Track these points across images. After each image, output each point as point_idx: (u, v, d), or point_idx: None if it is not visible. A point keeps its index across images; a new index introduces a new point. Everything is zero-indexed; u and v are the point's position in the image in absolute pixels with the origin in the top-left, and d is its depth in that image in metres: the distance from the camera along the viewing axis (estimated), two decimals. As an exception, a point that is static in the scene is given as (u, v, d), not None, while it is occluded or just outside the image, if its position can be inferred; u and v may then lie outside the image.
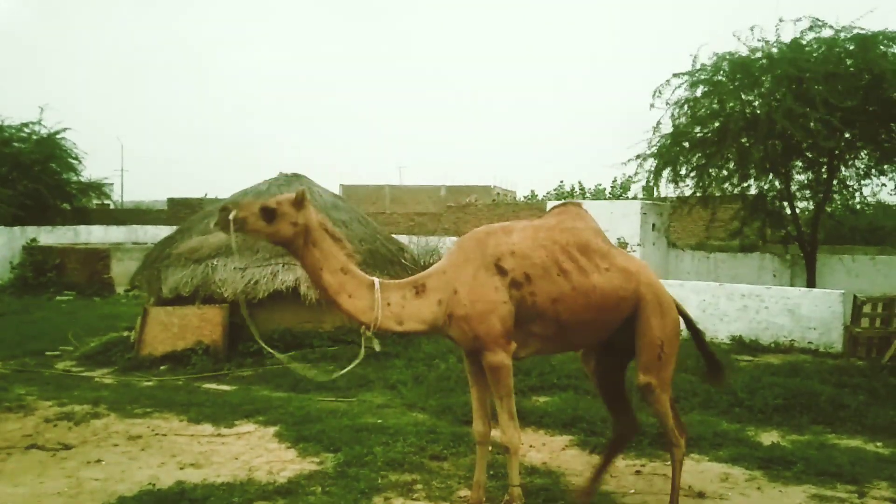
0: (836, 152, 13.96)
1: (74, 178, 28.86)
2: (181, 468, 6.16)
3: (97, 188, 30.57)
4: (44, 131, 27.70)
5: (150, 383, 9.63)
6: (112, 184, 33.03)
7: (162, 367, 10.51)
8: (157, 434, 7.20)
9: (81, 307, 17.12)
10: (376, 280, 4.84)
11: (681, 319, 5.45)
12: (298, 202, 4.53)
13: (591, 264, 4.97)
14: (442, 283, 4.84)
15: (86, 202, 30.19)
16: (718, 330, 12.08)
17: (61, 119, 51.12)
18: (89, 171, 31.37)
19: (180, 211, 28.84)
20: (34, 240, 21.78)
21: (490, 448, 5.49)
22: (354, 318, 4.76)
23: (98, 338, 12.62)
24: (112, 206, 34.73)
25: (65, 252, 20.79)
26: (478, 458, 5.11)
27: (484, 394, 5.15)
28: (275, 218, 4.48)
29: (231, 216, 4.41)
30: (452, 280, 4.83)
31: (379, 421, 7.52)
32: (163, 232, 22.55)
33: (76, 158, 28.39)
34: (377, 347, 4.87)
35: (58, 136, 27.86)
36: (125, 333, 12.17)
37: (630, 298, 5.01)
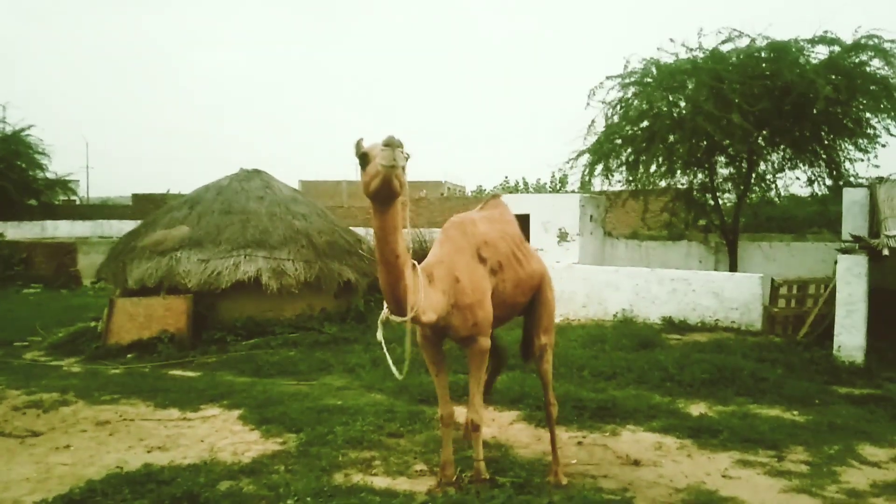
0: (754, 149, 14.28)
1: (41, 175, 27.90)
2: (148, 451, 5.98)
3: (63, 184, 29.68)
4: (8, 129, 26.72)
5: (117, 371, 9.34)
6: (78, 180, 32.11)
7: (129, 356, 10.23)
8: (124, 419, 6.98)
9: (49, 299, 16.55)
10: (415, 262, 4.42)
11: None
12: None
13: (527, 252, 5.40)
14: (443, 273, 4.64)
15: (52, 198, 29.17)
16: (650, 311, 12.26)
17: (25, 116, 49.38)
18: (56, 167, 30.27)
19: (144, 206, 28.06)
20: (1, 235, 21.02)
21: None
22: (401, 297, 4.21)
23: (66, 328, 12.22)
24: (78, 202, 33.68)
25: (32, 246, 20.12)
26: (445, 438, 4.97)
27: (446, 378, 5.12)
28: (404, 169, 3.93)
29: (405, 154, 3.85)
30: (452, 269, 4.69)
31: (339, 402, 7.42)
32: (128, 226, 21.92)
33: (42, 153, 27.47)
34: (380, 337, 4.35)
35: (23, 133, 26.88)
36: (92, 324, 11.81)
37: (539, 278, 5.46)
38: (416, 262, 4.46)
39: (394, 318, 4.32)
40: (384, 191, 3.90)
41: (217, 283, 10.90)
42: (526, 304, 5.40)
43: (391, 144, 3.80)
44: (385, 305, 4.38)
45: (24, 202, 26.79)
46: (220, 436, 6.45)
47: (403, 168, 3.89)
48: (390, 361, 4.41)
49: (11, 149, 26.08)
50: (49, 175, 28.18)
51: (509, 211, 5.63)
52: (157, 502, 4.52)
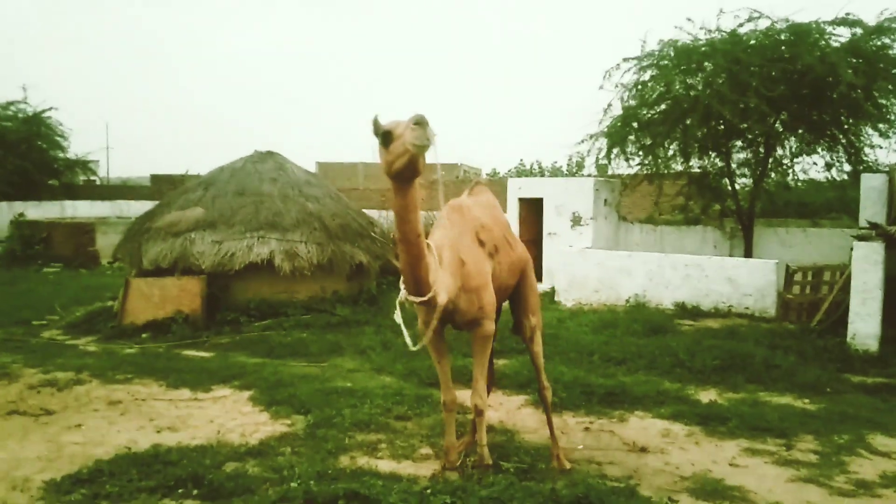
0: (772, 132, 14.04)
1: (61, 155, 28.05)
2: (158, 432, 6.02)
3: (83, 164, 29.79)
4: (29, 110, 26.86)
5: (131, 350, 9.42)
6: (97, 161, 32.27)
7: (143, 335, 10.30)
8: (136, 399, 7.04)
9: (68, 278, 16.71)
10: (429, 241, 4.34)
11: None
12: None
13: (513, 237, 5.46)
14: (450, 256, 4.55)
15: (73, 178, 29.36)
16: (663, 296, 12.14)
17: (46, 98, 49.53)
18: (76, 148, 30.59)
19: (163, 186, 28.17)
20: (21, 214, 21.25)
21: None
22: (422, 277, 4.17)
23: (83, 307, 12.31)
24: (98, 182, 33.88)
25: (52, 226, 20.31)
26: (449, 424, 4.89)
27: (449, 364, 5.04)
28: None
29: (433, 135, 3.73)
30: (457, 252, 4.60)
31: (349, 384, 7.43)
32: (146, 206, 22.03)
33: (62, 136, 27.62)
34: (400, 319, 4.38)
35: (43, 115, 27.03)
36: (109, 303, 11.91)
37: (525, 261, 5.51)
38: (430, 243, 4.40)
39: (412, 298, 4.27)
40: (409, 171, 3.81)
41: (230, 265, 10.94)
42: (513, 287, 5.43)
43: (422, 123, 3.65)
44: (402, 286, 4.33)
45: (45, 182, 26.98)
46: (229, 416, 6.49)
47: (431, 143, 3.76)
48: (406, 334, 4.40)
49: (32, 130, 26.26)
50: (69, 156, 28.35)
51: (493, 197, 5.66)
52: (162, 483, 4.55)
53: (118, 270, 17.02)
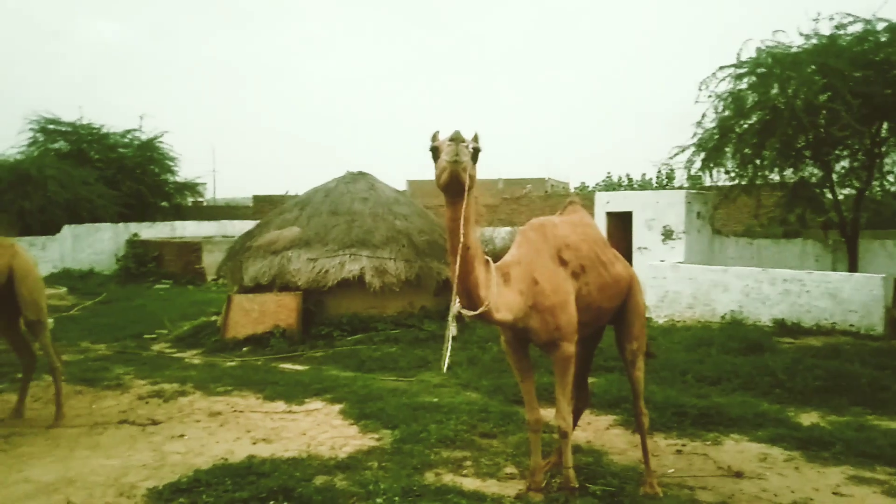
0: (876, 140, 13.19)
1: (171, 179, 29.57)
2: (254, 443, 6.20)
3: (191, 187, 31.23)
4: (144, 137, 28.47)
5: (232, 364, 9.78)
6: (205, 183, 33.85)
7: (244, 349, 10.70)
8: (235, 411, 7.28)
9: (177, 294, 17.63)
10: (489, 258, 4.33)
11: None
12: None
13: (612, 256, 5.19)
14: (520, 274, 4.49)
15: (182, 200, 30.91)
16: (761, 313, 11.58)
17: (159, 125, 52.30)
18: (186, 172, 32.17)
19: (264, 207, 29.30)
20: (136, 235, 22.59)
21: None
22: (473, 291, 4.12)
23: (190, 322, 12.93)
24: (205, 203, 35.54)
25: (162, 245, 21.51)
26: (534, 444, 4.82)
27: (532, 384, 4.94)
28: (476, 159, 4.00)
29: (471, 149, 3.90)
30: (530, 270, 4.52)
31: (435, 400, 7.42)
32: (248, 226, 22.96)
33: (172, 160, 29.09)
34: (454, 332, 4.52)
35: (156, 141, 28.60)
36: (213, 318, 12.46)
37: (627, 283, 5.26)
38: (489, 259, 4.36)
39: (465, 311, 4.22)
40: (453, 185, 3.91)
41: (324, 281, 11.24)
42: (613, 310, 5.18)
43: (455, 140, 3.82)
44: (457, 300, 4.30)
45: (157, 204, 28.53)
46: (320, 429, 6.60)
47: (473, 162, 3.91)
48: (446, 356, 4.45)
49: (146, 155, 27.87)
50: (178, 179, 29.86)
51: (588, 216, 5.46)
52: (255, 495, 4.65)
53: (222, 287, 17.80)
